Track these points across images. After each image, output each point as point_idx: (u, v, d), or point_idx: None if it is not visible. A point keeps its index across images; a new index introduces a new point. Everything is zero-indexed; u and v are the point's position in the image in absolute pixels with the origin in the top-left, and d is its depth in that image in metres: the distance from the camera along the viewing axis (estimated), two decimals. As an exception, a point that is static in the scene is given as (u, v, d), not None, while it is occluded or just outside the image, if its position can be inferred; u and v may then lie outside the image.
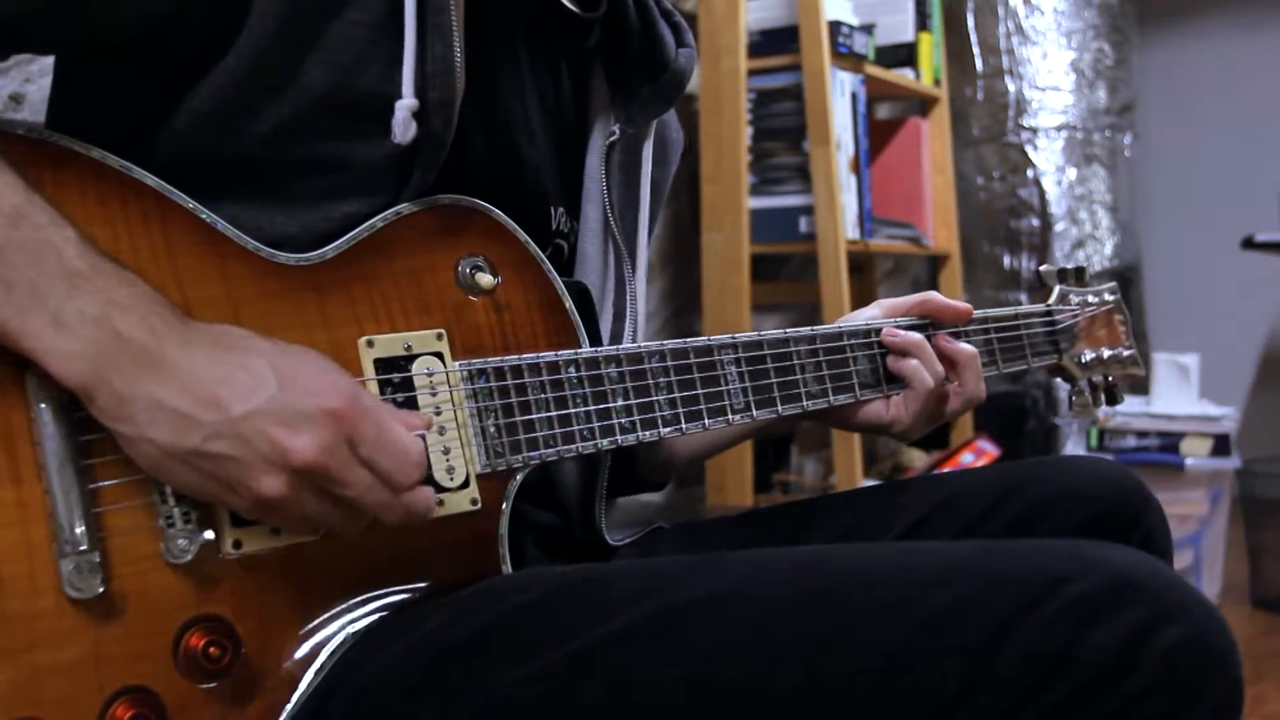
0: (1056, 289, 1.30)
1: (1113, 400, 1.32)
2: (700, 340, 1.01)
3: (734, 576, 0.80)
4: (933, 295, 1.15)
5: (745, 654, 0.76)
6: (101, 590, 0.74)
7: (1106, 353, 1.31)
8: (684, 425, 0.99)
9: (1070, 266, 1.33)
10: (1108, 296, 1.33)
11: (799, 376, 1.06)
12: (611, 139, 1.11)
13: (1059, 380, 1.33)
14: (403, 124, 0.88)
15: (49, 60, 0.95)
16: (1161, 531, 1.06)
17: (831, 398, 1.08)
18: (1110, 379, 1.32)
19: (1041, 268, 1.33)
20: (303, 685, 0.81)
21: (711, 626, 0.77)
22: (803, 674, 0.75)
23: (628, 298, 1.11)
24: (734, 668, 0.76)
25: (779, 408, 1.05)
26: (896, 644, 0.74)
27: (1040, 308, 1.27)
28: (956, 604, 0.74)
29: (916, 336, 1.11)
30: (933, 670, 0.73)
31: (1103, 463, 1.10)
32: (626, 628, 0.78)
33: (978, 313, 1.19)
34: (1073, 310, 1.29)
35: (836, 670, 0.74)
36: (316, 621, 0.82)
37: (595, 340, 1.03)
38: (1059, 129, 3.77)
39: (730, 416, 1.01)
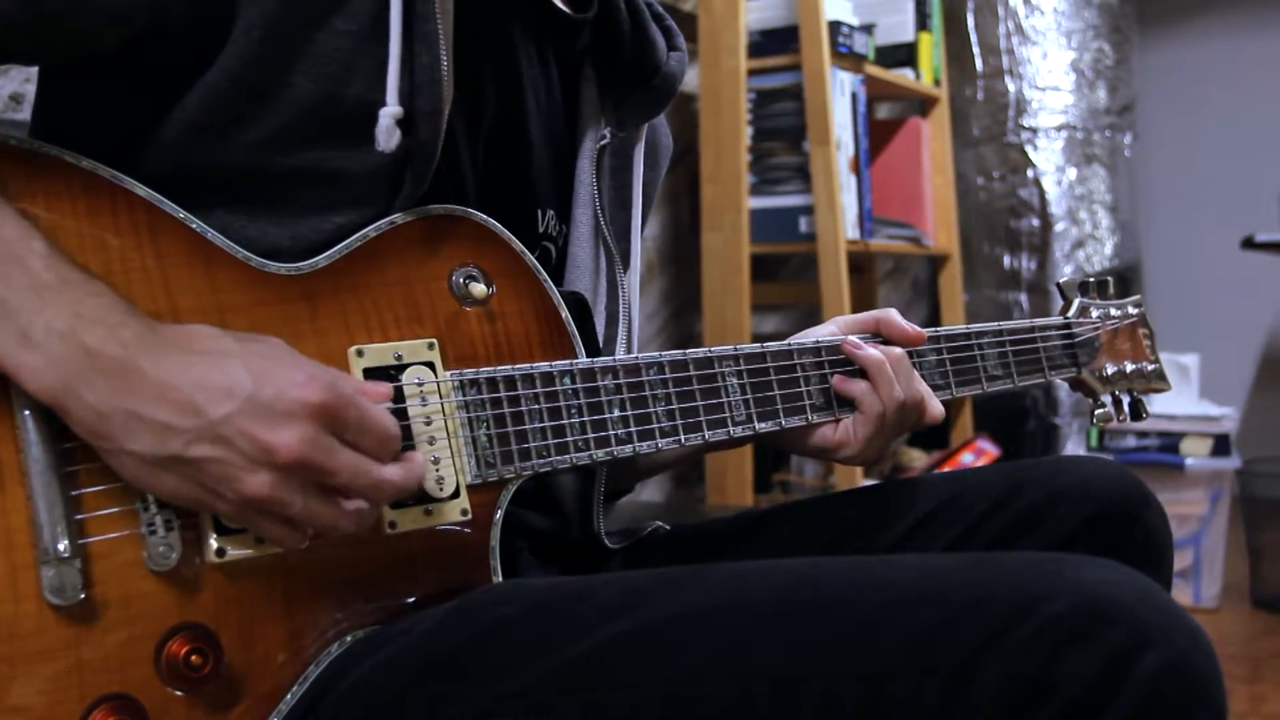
0: (1076, 301, 1.26)
1: (1137, 415, 1.28)
2: (700, 351, 0.99)
3: (713, 593, 0.79)
4: (890, 315, 1.09)
5: (723, 673, 0.75)
6: (82, 597, 0.74)
7: (1129, 367, 1.27)
8: (682, 437, 0.97)
9: (1092, 279, 1.29)
10: (1131, 310, 1.29)
11: (797, 390, 1.04)
12: (602, 142, 1.10)
13: (1080, 394, 1.28)
14: (386, 131, 0.87)
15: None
16: (1162, 530, 1.05)
17: (784, 420, 1.04)
18: (1134, 393, 1.28)
19: (1061, 280, 1.29)
20: (285, 695, 0.81)
21: (689, 644, 0.76)
22: (782, 694, 0.73)
23: (620, 302, 1.11)
24: (712, 686, 0.75)
25: (782, 420, 1.03)
26: (877, 664, 0.72)
27: (1058, 320, 1.24)
28: (936, 623, 0.72)
29: (876, 356, 1.05)
30: (911, 692, 0.71)
31: (1103, 462, 1.08)
32: (603, 645, 0.77)
33: (993, 325, 1.16)
34: (1093, 323, 1.25)
35: (816, 691, 0.73)
36: (300, 631, 0.82)
37: (593, 351, 1.02)
38: (1059, 129, 3.76)
39: (731, 429, 0.99)
